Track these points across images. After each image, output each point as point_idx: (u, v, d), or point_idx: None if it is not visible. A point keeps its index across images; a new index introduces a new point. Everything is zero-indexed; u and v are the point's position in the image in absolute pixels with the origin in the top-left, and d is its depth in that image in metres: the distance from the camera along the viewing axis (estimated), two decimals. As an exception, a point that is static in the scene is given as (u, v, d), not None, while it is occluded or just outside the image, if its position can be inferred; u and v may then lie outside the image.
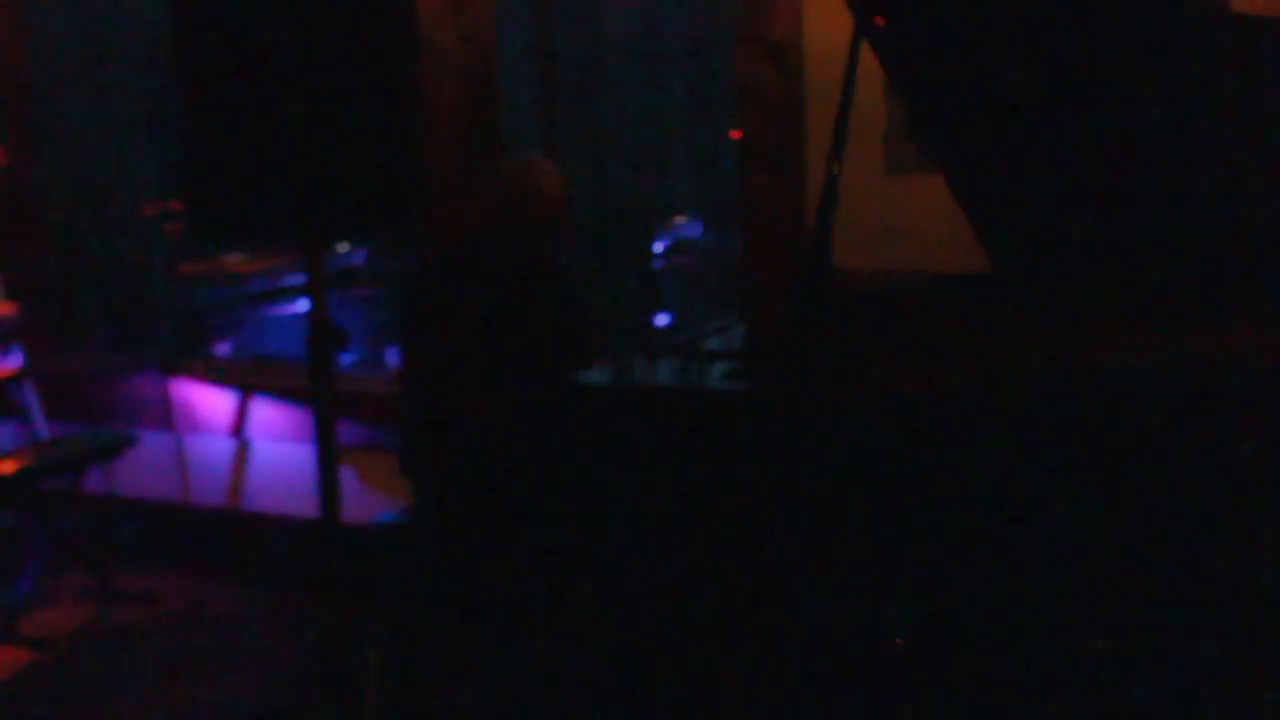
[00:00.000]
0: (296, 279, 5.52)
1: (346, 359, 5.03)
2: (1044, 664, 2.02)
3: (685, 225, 6.31)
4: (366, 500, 4.19)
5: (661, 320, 5.84)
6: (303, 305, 5.15)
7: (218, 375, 4.84)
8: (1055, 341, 2.42)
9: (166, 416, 4.87)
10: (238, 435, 4.74)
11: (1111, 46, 2.33)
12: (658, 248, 6.06)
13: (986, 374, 2.27)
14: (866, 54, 2.48)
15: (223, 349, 5.56)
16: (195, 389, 4.83)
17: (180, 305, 5.59)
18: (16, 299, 4.78)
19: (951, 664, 2.06)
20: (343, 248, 5.73)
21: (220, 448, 4.79)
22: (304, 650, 3.84)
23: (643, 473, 2.23)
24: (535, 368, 3.17)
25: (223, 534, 4.76)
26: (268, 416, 4.68)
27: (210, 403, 4.79)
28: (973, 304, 2.79)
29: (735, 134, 3.83)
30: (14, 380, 4.66)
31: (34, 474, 4.19)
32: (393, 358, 5.03)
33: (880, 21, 2.46)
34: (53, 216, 5.30)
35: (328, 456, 2.98)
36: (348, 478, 4.00)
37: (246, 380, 4.76)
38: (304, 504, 4.31)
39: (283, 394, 4.63)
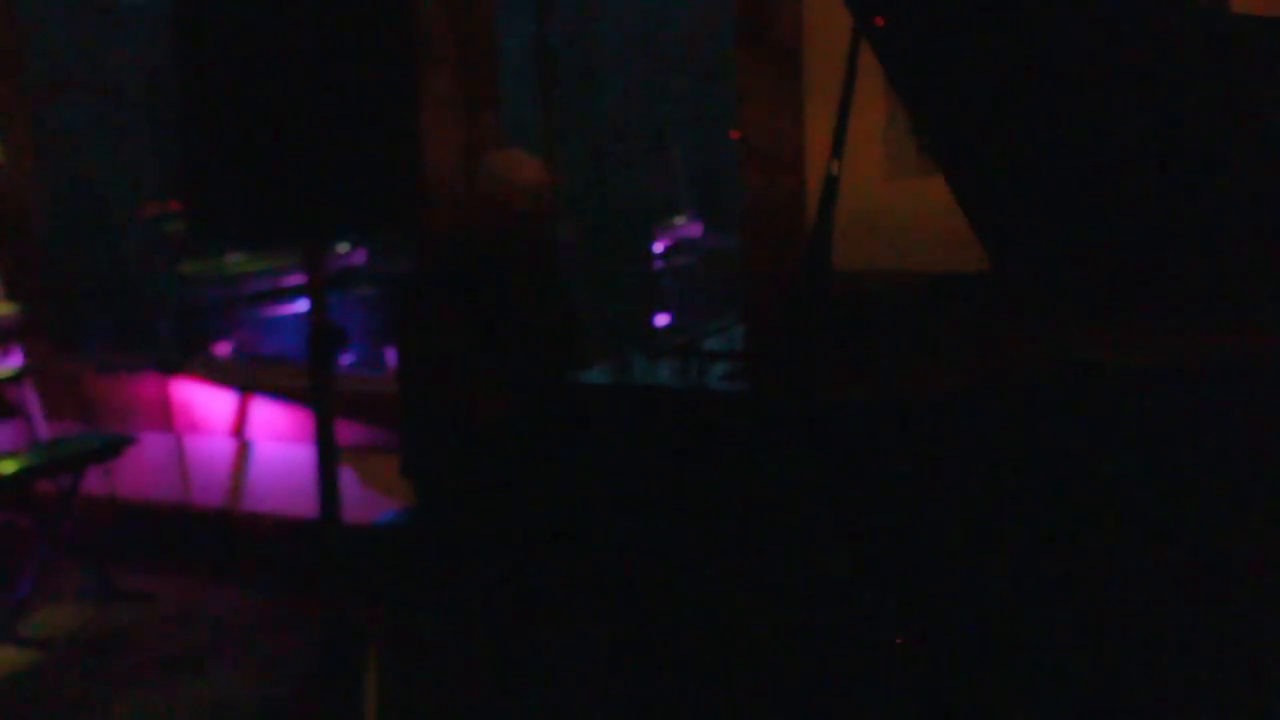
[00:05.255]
0: (296, 279, 5.52)
1: (346, 359, 5.03)
2: (1044, 664, 2.02)
3: (685, 225, 6.31)
4: (366, 500, 4.19)
5: (661, 320, 5.84)
6: (303, 305, 5.16)
7: (217, 375, 4.84)
8: (1055, 341, 2.42)
9: (166, 416, 4.86)
10: (238, 435, 4.74)
11: (1111, 46, 2.33)
12: (658, 248, 6.06)
13: (986, 374, 2.27)
14: (866, 54, 2.47)
15: (223, 349, 5.56)
16: (195, 389, 4.82)
17: (180, 305, 5.60)
18: (16, 299, 4.78)
19: (952, 664, 2.06)
20: (343, 248, 5.74)
21: (220, 448, 4.79)
22: (304, 650, 3.84)
23: (643, 473, 2.23)
24: (529, 365, 3.17)
25: (223, 534, 4.76)
26: (268, 416, 4.67)
27: (210, 403, 4.79)
28: (973, 304, 2.79)
29: (735, 134, 3.83)
30: (14, 380, 4.66)
31: (34, 474, 4.19)
32: (393, 358, 5.04)
33: (880, 21, 2.46)
34: (53, 217, 5.29)
35: (328, 456, 2.98)
36: (348, 478, 4.00)
37: (246, 380, 4.76)
38: (304, 504, 4.30)
39: (283, 394, 4.63)
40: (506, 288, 3.22)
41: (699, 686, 2.26)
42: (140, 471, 4.81)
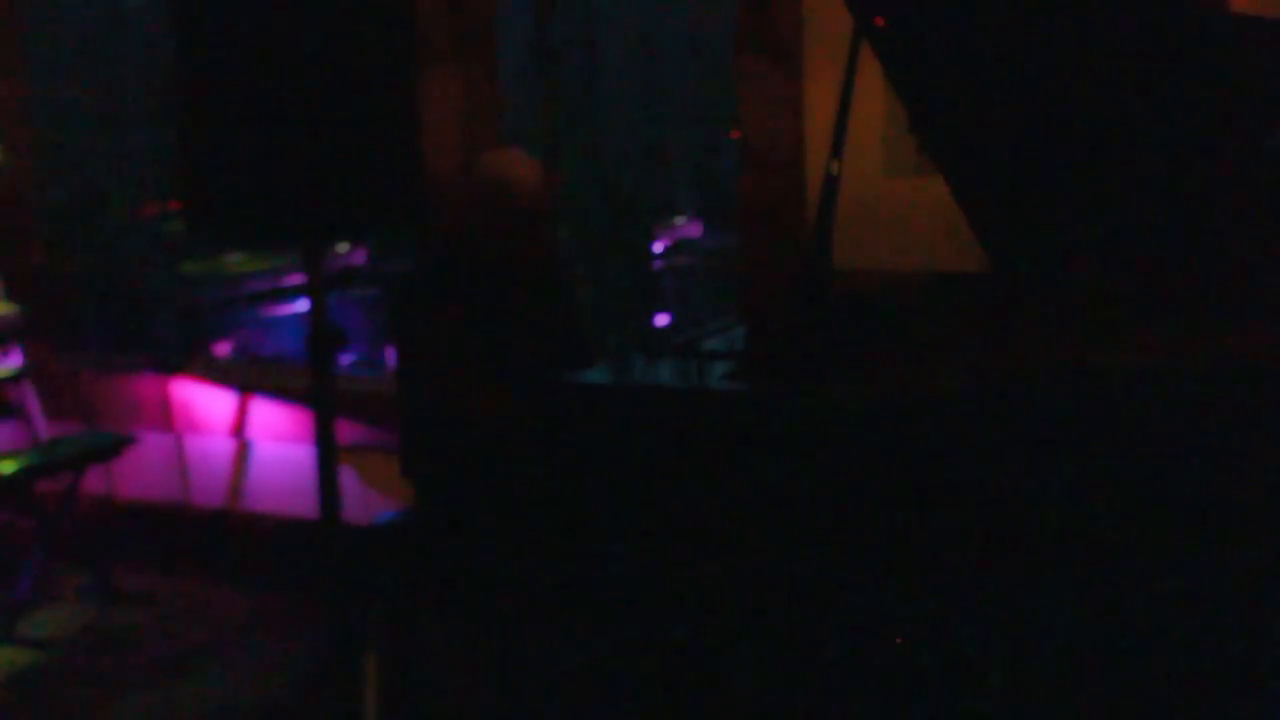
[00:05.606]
0: (296, 279, 5.52)
1: (346, 359, 5.03)
2: (1043, 665, 2.02)
3: (685, 225, 6.32)
4: (366, 500, 4.19)
5: (661, 320, 5.84)
6: (303, 305, 5.16)
7: (217, 375, 4.84)
8: (1055, 342, 2.42)
9: (166, 416, 4.87)
10: (238, 435, 4.74)
11: (1111, 46, 2.33)
12: (658, 248, 6.06)
13: (986, 374, 2.27)
14: (866, 54, 2.47)
15: (223, 349, 5.56)
16: (195, 389, 4.83)
17: (180, 305, 5.60)
18: (16, 299, 4.78)
19: (952, 664, 2.06)
20: (343, 248, 5.74)
21: (220, 448, 4.79)
22: (304, 650, 3.84)
23: (643, 473, 2.23)
24: (528, 364, 3.17)
25: (223, 534, 4.76)
26: (268, 416, 4.68)
27: (210, 403, 4.79)
28: (973, 304, 2.79)
29: (735, 134, 3.83)
30: (14, 380, 4.66)
31: (34, 474, 4.19)
32: (393, 358, 5.04)
33: (880, 21, 2.46)
34: (52, 217, 5.29)
35: (328, 456, 2.98)
36: (348, 478, 3.99)
37: (246, 380, 4.76)
38: (304, 504, 4.30)
39: (283, 394, 4.63)
40: (506, 288, 3.22)
41: (699, 687, 2.25)
42: (140, 471, 4.81)
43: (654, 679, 2.30)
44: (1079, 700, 2.01)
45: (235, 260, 5.70)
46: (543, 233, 3.22)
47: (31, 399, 4.70)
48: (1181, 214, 2.49)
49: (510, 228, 3.13)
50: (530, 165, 3.16)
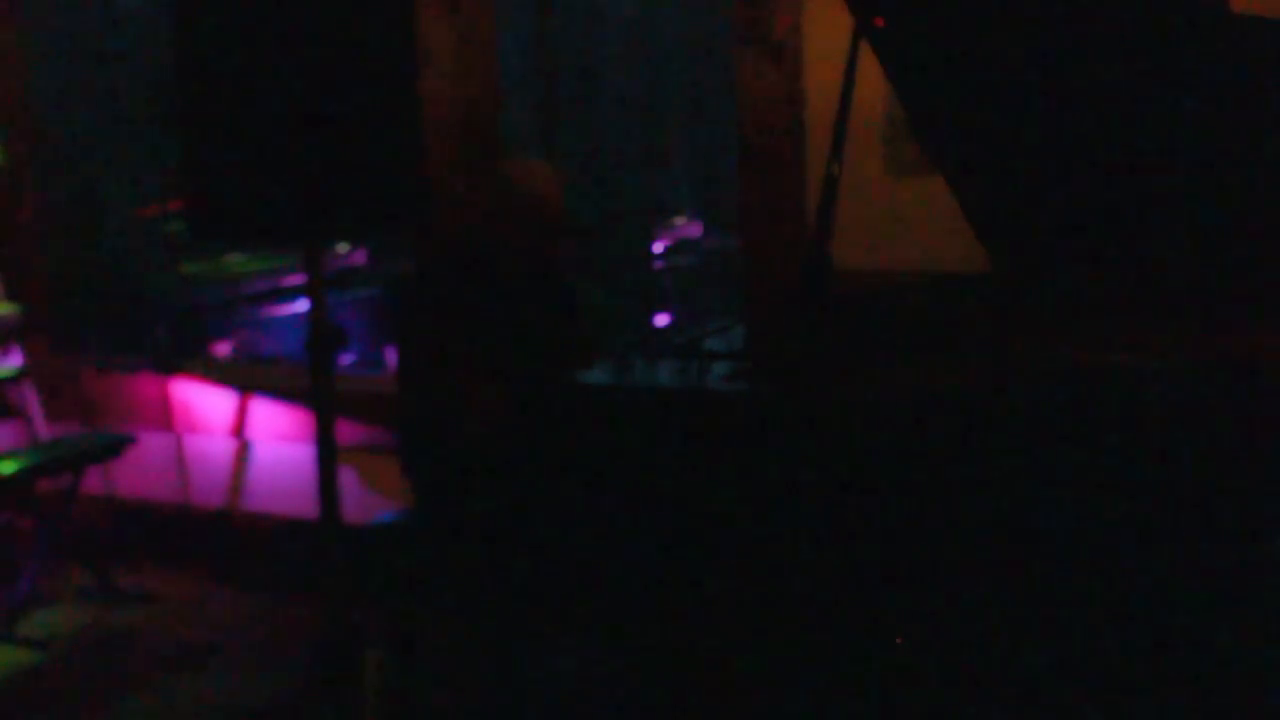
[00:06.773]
0: (296, 279, 5.52)
1: (346, 359, 5.03)
2: (1044, 665, 2.02)
3: (685, 225, 6.32)
4: (366, 500, 4.19)
5: (661, 320, 5.84)
6: (303, 305, 5.16)
7: (217, 375, 4.84)
8: (1056, 341, 2.42)
9: (166, 416, 4.87)
10: (238, 435, 4.74)
11: (1112, 47, 2.33)
12: (658, 248, 6.06)
13: (987, 374, 2.27)
14: (866, 54, 2.48)
15: (223, 349, 5.56)
16: (195, 389, 4.83)
17: (180, 305, 5.60)
18: (16, 299, 4.78)
19: (952, 664, 2.06)
20: (343, 248, 5.74)
21: (220, 448, 4.79)
22: (304, 650, 3.84)
23: (643, 473, 2.23)
24: (532, 368, 3.17)
25: (223, 534, 4.76)
26: (268, 416, 4.68)
27: (210, 403, 4.79)
28: (973, 304, 2.79)
29: (736, 134, 3.83)
30: (14, 380, 4.66)
31: (34, 474, 4.19)
32: (393, 358, 5.04)
33: (880, 22, 2.46)
34: (52, 217, 5.29)
35: (328, 456, 2.98)
36: (348, 478, 3.99)
37: (246, 380, 4.76)
38: (304, 504, 4.31)
39: (283, 394, 4.63)
40: (512, 291, 3.22)
41: (699, 686, 2.25)
42: (140, 471, 4.81)
43: (654, 678, 2.30)
44: (1079, 700, 2.01)
45: (235, 260, 5.70)
46: (558, 243, 3.23)
47: (31, 399, 4.70)
48: (1182, 214, 2.49)
49: (531, 239, 3.15)
50: (552, 178, 3.17)
